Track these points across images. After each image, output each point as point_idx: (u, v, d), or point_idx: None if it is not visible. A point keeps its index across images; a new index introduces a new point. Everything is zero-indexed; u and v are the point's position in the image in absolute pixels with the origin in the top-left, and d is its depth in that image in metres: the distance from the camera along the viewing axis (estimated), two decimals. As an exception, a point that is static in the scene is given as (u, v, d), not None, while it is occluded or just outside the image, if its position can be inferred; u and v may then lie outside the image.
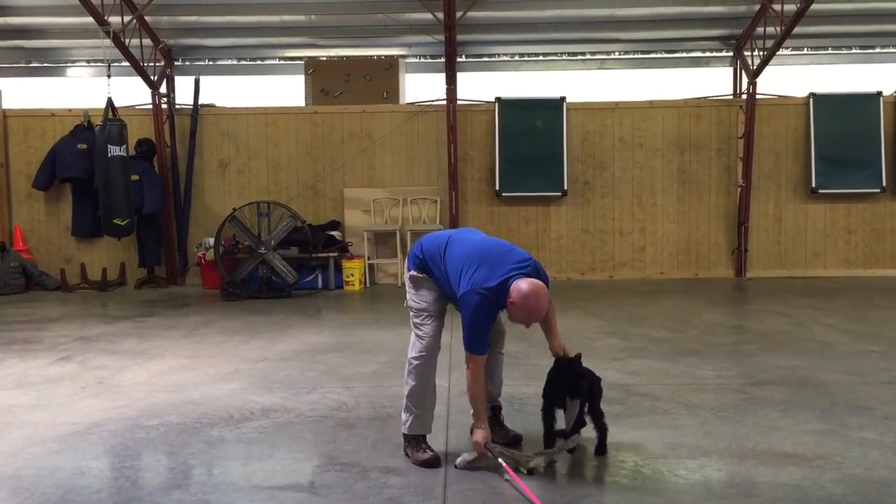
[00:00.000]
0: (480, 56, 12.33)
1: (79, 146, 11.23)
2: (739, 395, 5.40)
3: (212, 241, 10.91)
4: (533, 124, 11.63)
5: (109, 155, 10.23)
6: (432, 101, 11.78)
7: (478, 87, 12.00)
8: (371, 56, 12.16)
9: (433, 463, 4.11)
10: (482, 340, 4.02)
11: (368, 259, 11.48)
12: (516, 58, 12.37)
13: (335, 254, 11.11)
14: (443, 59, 11.52)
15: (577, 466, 4.13)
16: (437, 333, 4.25)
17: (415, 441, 4.23)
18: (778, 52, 10.99)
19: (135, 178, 10.90)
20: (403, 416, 4.31)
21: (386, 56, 12.12)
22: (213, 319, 8.79)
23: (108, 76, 10.31)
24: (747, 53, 11.58)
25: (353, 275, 11.12)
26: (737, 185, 11.70)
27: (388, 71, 11.91)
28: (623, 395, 5.44)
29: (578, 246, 11.86)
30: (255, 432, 4.74)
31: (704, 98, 11.91)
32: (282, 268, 10.45)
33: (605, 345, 7.12)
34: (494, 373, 4.50)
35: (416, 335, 4.28)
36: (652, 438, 4.52)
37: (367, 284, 11.42)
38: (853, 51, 12.13)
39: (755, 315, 9.10)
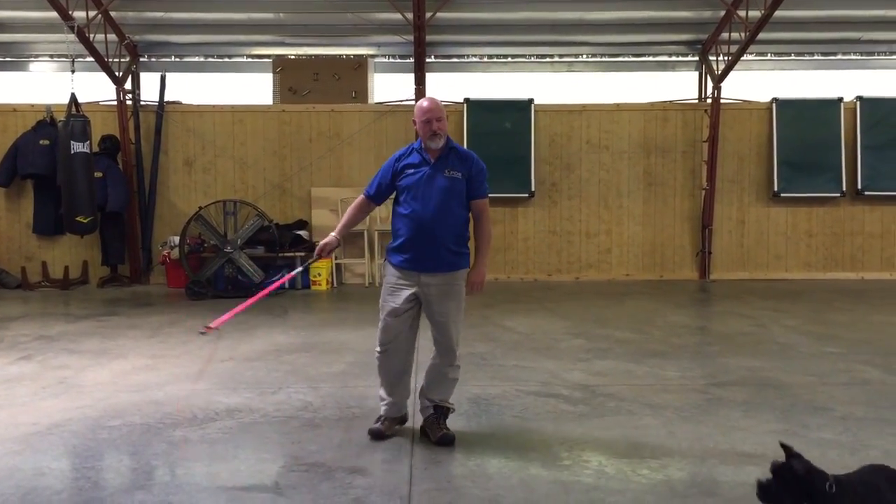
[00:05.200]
0: (449, 57, 12.35)
1: (41, 142, 11.04)
2: (702, 396, 5.48)
3: (177, 239, 10.80)
4: (501, 126, 11.66)
5: (72, 151, 10.09)
6: (401, 101, 11.78)
7: (447, 87, 12.00)
8: (340, 55, 12.12)
9: (373, 434, 4.56)
10: (371, 185, 4.75)
11: (336, 259, 11.43)
12: (485, 59, 12.42)
13: (302, 253, 11.07)
14: (412, 60, 11.51)
15: (540, 466, 4.15)
16: (388, 327, 4.52)
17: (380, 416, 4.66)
18: (742, 58, 11.15)
19: (98, 175, 10.75)
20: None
21: (355, 55, 12.09)
22: (178, 319, 8.70)
23: (72, 71, 10.17)
24: (712, 58, 11.74)
25: (320, 274, 11.07)
26: (701, 188, 11.85)
27: (357, 70, 11.88)
28: (588, 395, 5.49)
29: (545, 247, 11.93)
30: (220, 433, 4.71)
31: (670, 102, 12.03)
32: (248, 267, 10.38)
33: (570, 346, 7.18)
34: (428, 373, 4.67)
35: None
36: (616, 438, 4.56)
37: (335, 284, 11.38)
38: (815, 57, 12.33)
39: (718, 317, 9.23)
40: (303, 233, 11.38)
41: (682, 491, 3.82)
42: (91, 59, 10.90)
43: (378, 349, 4.58)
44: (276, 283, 5.41)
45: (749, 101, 11.93)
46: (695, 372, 6.19)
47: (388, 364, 4.57)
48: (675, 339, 7.48)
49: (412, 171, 4.53)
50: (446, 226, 4.44)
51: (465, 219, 4.58)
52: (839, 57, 12.35)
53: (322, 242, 4.76)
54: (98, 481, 3.98)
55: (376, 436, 4.55)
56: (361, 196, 4.78)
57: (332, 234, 4.76)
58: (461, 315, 4.56)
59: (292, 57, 12.14)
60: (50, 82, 11.94)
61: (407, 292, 4.47)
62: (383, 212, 11.53)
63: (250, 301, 4.89)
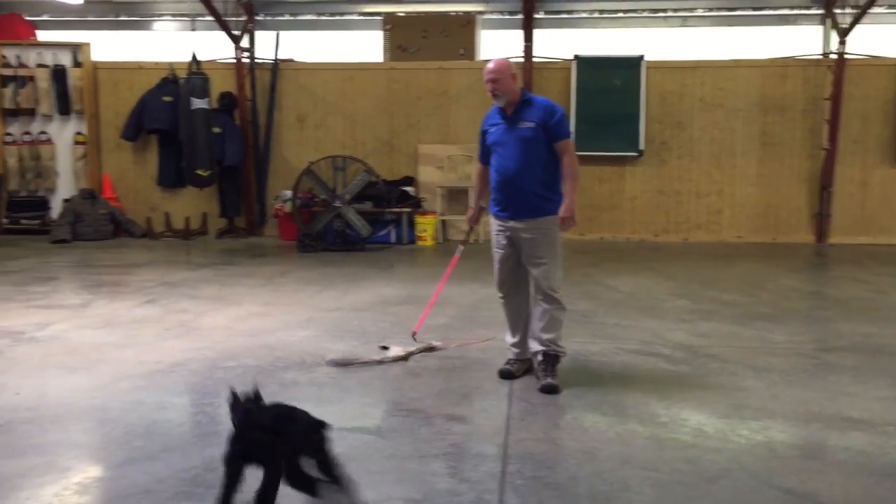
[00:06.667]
0: (559, 13, 12.15)
1: (164, 98, 11.55)
2: (810, 360, 5.34)
3: (289, 193, 11.17)
4: (611, 83, 11.44)
5: (193, 107, 10.55)
6: (509, 58, 11.68)
7: (555, 44, 11.85)
8: (449, 12, 12.12)
9: (502, 374, 4.89)
10: (478, 152, 5.11)
11: (441, 215, 11.57)
12: (595, 14, 12.15)
13: (409, 209, 11.25)
14: (520, 16, 11.40)
15: (636, 423, 4.16)
16: (497, 273, 4.95)
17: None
18: (870, 10, 10.52)
19: (217, 130, 11.20)
20: None
21: (464, 12, 12.06)
22: (289, 270, 9.05)
23: (193, 30, 10.55)
24: (838, 11, 11.10)
25: (425, 230, 11.24)
26: (821, 148, 11.33)
27: (466, 27, 11.86)
28: (690, 356, 5.43)
29: (653, 207, 11.70)
30: (327, 377, 4.93)
31: (791, 58, 11.50)
32: (356, 221, 10.65)
33: (674, 306, 7.08)
34: (533, 313, 4.93)
35: None
36: (717, 399, 4.52)
37: (440, 240, 11.53)
38: (953, 9, 11.52)
39: (834, 282, 8.88)
40: (409, 189, 11.55)
41: (783, 453, 3.76)
42: (210, 18, 11.30)
43: (498, 295, 5.02)
44: (453, 263, 5.79)
45: (877, 57, 11.25)
46: (804, 336, 6.02)
47: (506, 307, 5.01)
48: (785, 303, 7.27)
49: (494, 128, 4.92)
50: (528, 174, 4.70)
51: (549, 165, 4.75)
52: (980, 8, 11.49)
53: (467, 218, 5.35)
54: (215, 416, 4.24)
55: (505, 375, 4.89)
56: (478, 164, 5.18)
57: (470, 207, 5.31)
58: (557, 259, 4.77)
59: (402, 14, 12.23)
60: (172, 41, 12.43)
61: (503, 238, 4.84)
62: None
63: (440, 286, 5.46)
